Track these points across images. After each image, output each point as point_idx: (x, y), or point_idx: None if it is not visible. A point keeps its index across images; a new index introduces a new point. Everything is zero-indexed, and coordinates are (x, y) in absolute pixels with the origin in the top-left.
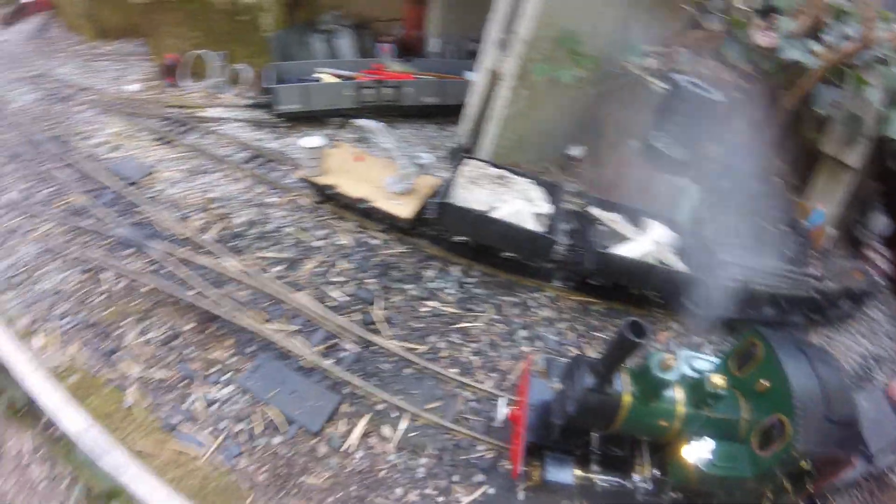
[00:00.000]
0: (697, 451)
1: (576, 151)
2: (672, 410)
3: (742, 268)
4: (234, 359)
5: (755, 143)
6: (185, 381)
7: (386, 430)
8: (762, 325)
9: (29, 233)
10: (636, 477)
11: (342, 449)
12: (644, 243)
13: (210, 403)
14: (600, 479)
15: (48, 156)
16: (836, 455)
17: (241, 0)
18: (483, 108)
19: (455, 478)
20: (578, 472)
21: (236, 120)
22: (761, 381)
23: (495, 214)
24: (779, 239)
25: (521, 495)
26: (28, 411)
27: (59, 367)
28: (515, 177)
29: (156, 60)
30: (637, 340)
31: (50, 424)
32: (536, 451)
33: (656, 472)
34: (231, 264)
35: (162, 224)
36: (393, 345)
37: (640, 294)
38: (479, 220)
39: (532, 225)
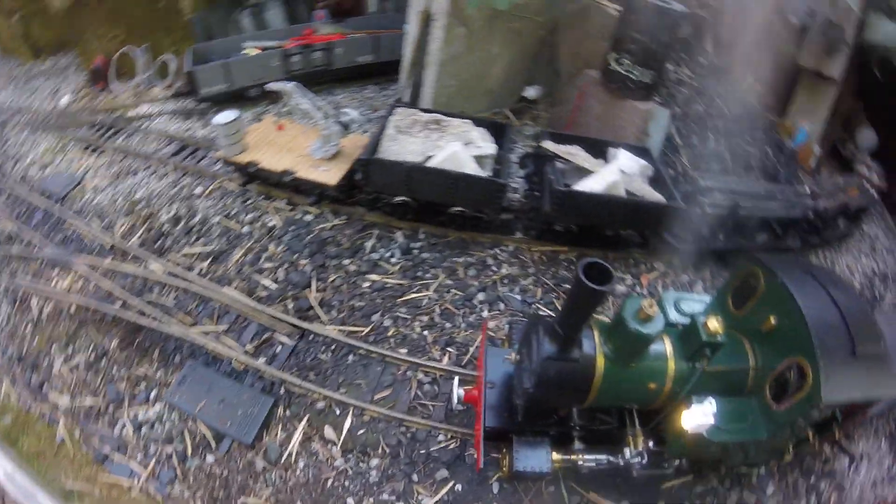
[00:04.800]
0: (698, 417)
1: (531, 92)
2: (661, 369)
3: (727, 193)
4: (160, 372)
5: (726, 61)
6: (114, 405)
7: (328, 432)
8: (757, 253)
9: None
10: (628, 452)
11: (282, 460)
12: (608, 174)
13: (139, 426)
14: (585, 458)
15: None
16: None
17: None
18: (419, 56)
19: (415, 477)
20: (557, 456)
21: (164, 113)
22: (768, 318)
23: (431, 163)
24: (763, 161)
25: (495, 487)
26: None
27: None
28: (451, 119)
29: (86, 67)
30: (597, 288)
31: None
32: (504, 435)
33: (651, 444)
34: (156, 267)
35: (88, 236)
36: (332, 330)
37: (615, 234)
38: (411, 173)
39: (473, 169)
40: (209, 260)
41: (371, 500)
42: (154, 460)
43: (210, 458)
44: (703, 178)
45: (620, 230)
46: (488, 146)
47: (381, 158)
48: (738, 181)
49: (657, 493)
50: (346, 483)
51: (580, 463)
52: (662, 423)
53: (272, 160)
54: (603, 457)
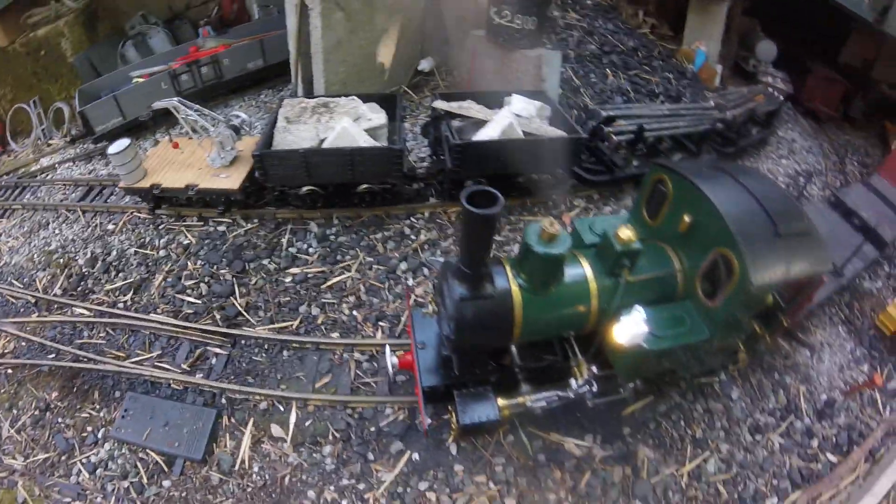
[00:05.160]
0: (629, 328)
1: (425, 65)
2: (583, 289)
3: (632, 118)
4: (104, 411)
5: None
6: (66, 454)
7: (276, 430)
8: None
9: None
10: (574, 383)
11: (236, 468)
12: (502, 119)
13: (94, 469)
14: (534, 399)
15: None
16: (803, 278)
17: (35, 35)
18: (304, 49)
19: (370, 455)
20: (504, 402)
21: (66, 160)
22: (682, 218)
23: (324, 145)
24: (666, 88)
25: (453, 449)
26: None
27: None
28: (338, 99)
29: None
30: (485, 213)
31: None
32: (447, 393)
33: (595, 370)
34: (82, 310)
35: (11, 297)
36: (262, 331)
37: (527, 180)
38: (307, 158)
39: (366, 141)
40: (131, 291)
41: (331, 488)
42: (113, 498)
43: (167, 483)
44: (605, 109)
45: (530, 174)
46: (378, 117)
47: (275, 151)
48: (641, 106)
49: (619, 421)
50: (304, 476)
51: (530, 404)
52: (601, 345)
53: (173, 179)
54: (551, 394)
